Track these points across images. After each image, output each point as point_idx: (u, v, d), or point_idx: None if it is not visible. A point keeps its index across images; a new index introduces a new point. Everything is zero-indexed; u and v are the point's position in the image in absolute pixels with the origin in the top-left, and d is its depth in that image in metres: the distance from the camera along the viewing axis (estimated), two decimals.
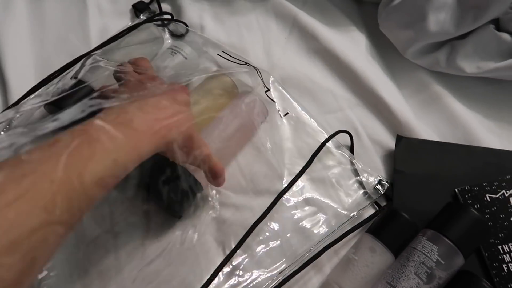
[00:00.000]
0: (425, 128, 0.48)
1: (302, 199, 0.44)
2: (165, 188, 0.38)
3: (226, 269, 0.39)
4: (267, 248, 0.41)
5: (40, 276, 0.36)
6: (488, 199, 0.42)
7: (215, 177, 0.39)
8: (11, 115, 0.41)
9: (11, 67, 0.47)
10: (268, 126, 0.47)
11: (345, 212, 0.43)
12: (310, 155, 0.44)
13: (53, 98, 0.40)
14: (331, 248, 0.40)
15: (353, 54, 0.52)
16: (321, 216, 0.43)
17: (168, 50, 0.48)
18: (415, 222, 0.40)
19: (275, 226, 0.42)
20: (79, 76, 0.43)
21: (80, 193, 0.25)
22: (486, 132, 0.47)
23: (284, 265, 0.40)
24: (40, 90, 0.43)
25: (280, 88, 0.49)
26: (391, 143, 0.47)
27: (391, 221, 0.40)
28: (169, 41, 0.53)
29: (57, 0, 0.54)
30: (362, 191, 0.45)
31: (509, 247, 0.40)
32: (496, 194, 0.42)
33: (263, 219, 0.41)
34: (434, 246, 0.37)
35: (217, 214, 0.42)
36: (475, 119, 0.48)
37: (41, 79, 0.44)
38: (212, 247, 0.41)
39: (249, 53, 0.52)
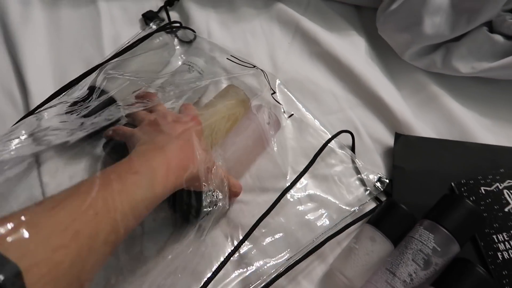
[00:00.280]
0: (423, 127, 0.50)
1: (305, 195, 0.46)
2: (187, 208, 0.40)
3: (234, 258, 0.41)
4: (273, 239, 0.43)
5: None
6: (483, 192, 0.44)
7: (235, 195, 0.43)
8: (34, 122, 0.44)
9: (31, 72, 0.50)
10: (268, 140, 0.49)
11: (346, 208, 0.45)
12: (314, 154, 0.47)
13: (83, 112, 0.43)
14: (334, 240, 0.42)
15: (353, 57, 0.54)
16: (323, 211, 0.45)
17: (185, 66, 0.50)
18: (412, 213, 0.42)
19: (280, 219, 0.44)
20: (100, 86, 0.45)
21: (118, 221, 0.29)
22: (482, 129, 0.50)
23: (288, 254, 0.42)
24: (59, 97, 0.46)
25: (286, 90, 0.51)
26: (390, 141, 0.49)
27: (390, 212, 0.42)
28: (178, 47, 0.55)
29: (73, 10, 0.57)
30: (363, 188, 0.47)
31: (503, 236, 0.42)
32: (490, 187, 0.44)
33: (269, 213, 0.43)
34: (430, 234, 0.39)
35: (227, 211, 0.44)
36: (471, 117, 0.51)
37: (59, 83, 0.47)
38: (221, 240, 0.43)
39: (254, 58, 0.54)
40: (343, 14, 0.59)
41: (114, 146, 0.43)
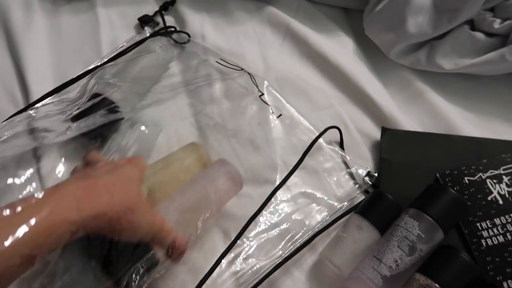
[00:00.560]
0: (410, 121, 0.52)
1: (296, 192, 0.47)
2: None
3: (227, 258, 0.42)
4: (265, 237, 0.44)
5: None
6: (467, 182, 0.45)
7: (180, 253, 0.36)
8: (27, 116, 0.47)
9: (32, 74, 0.52)
10: (263, 128, 0.51)
11: (336, 204, 0.47)
12: (303, 152, 0.48)
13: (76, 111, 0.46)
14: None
15: (342, 56, 0.56)
16: (314, 207, 0.47)
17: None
18: (398, 203, 0.43)
19: (272, 216, 0.45)
20: (96, 90, 0.48)
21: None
22: (466, 123, 0.51)
23: (281, 252, 0.43)
24: (55, 96, 0.49)
25: (274, 91, 0.53)
26: (378, 135, 0.51)
27: (376, 202, 0.44)
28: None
29: (73, 16, 0.59)
30: (353, 182, 0.49)
31: (486, 224, 0.43)
32: (474, 177, 0.46)
33: (260, 211, 0.44)
34: (415, 222, 0.40)
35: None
36: (456, 111, 0.52)
37: (59, 84, 0.49)
38: (216, 233, 0.44)
39: (247, 58, 0.57)
40: (331, 16, 0.61)
41: None
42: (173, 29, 0.58)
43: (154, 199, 0.37)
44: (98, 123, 0.46)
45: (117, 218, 0.31)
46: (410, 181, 0.47)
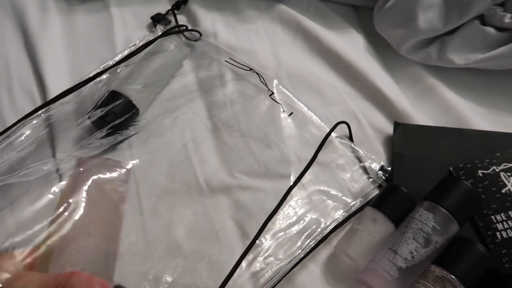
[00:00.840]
0: (421, 116, 0.52)
1: (311, 189, 0.47)
2: None
3: (246, 259, 0.42)
4: (282, 235, 0.44)
5: None
6: (481, 175, 0.46)
7: None
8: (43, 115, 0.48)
9: (49, 73, 0.53)
10: (275, 126, 0.51)
11: (351, 199, 0.47)
12: (316, 148, 0.49)
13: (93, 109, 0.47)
14: None
15: (353, 52, 0.57)
16: (330, 203, 0.47)
17: None
18: (412, 195, 0.44)
19: (288, 214, 0.45)
20: (113, 88, 0.49)
21: None
22: (478, 117, 0.52)
23: (299, 250, 0.43)
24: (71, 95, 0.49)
25: (284, 90, 0.53)
26: (390, 129, 0.51)
27: (390, 195, 0.44)
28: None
29: (87, 16, 0.60)
30: (366, 176, 0.49)
31: (501, 217, 0.43)
32: (487, 170, 0.46)
33: (278, 208, 0.44)
34: (430, 214, 0.40)
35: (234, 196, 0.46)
36: (467, 106, 0.53)
37: (75, 82, 0.50)
38: (231, 229, 0.45)
39: (258, 55, 0.57)
40: (341, 14, 0.62)
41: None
42: (185, 27, 0.59)
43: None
44: (115, 121, 0.47)
45: None
46: (423, 175, 0.47)
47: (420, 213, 0.41)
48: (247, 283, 0.42)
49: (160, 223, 0.44)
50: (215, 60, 0.56)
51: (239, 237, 0.44)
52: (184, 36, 0.58)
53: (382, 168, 0.49)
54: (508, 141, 0.48)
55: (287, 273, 0.42)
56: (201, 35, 0.59)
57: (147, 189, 0.46)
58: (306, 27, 0.59)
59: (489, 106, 0.53)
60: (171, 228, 0.44)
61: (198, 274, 0.42)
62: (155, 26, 0.60)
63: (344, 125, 0.51)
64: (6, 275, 0.29)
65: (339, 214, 0.46)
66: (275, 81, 0.54)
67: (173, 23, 0.60)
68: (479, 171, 0.46)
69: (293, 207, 0.46)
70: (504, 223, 0.43)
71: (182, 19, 0.62)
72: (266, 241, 0.44)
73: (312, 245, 0.43)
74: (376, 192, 0.48)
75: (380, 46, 0.59)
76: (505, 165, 0.45)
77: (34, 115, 0.48)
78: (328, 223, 0.45)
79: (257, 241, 0.42)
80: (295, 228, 0.45)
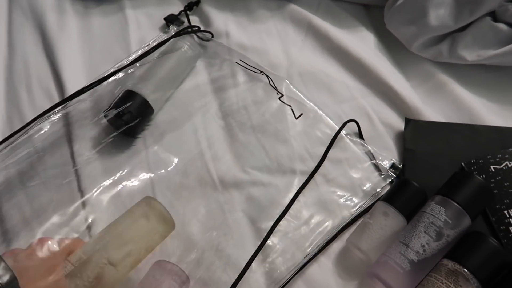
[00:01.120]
0: (432, 112, 0.52)
1: (323, 186, 0.48)
2: None
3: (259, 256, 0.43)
4: (295, 231, 0.45)
5: None
6: (493, 170, 0.46)
7: None
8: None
9: (66, 72, 0.55)
10: (286, 127, 0.52)
11: (362, 197, 0.47)
12: (327, 144, 0.49)
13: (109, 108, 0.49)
14: None
15: (363, 50, 0.57)
16: (341, 201, 0.47)
17: None
18: (423, 189, 0.44)
19: (300, 211, 0.46)
20: (128, 87, 0.50)
21: None
22: (490, 113, 0.51)
23: (311, 246, 0.44)
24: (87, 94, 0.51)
25: (295, 90, 0.54)
26: (401, 126, 0.52)
27: (402, 189, 0.44)
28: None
29: (103, 17, 0.62)
30: (377, 173, 0.49)
31: None
32: (500, 165, 0.46)
33: (291, 205, 0.45)
34: (441, 208, 0.41)
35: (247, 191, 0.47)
36: (479, 102, 0.53)
37: (91, 81, 0.52)
38: (244, 224, 0.46)
39: (270, 54, 0.58)
40: (352, 12, 0.63)
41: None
42: (197, 28, 0.60)
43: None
44: (130, 120, 0.48)
45: None
46: (435, 170, 0.48)
47: (431, 207, 0.41)
48: (260, 278, 0.43)
49: (175, 218, 0.45)
50: (227, 60, 0.57)
51: (252, 231, 0.45)
52: (198, 36, 0.60)
53: (393, 166, 0.49)
54: None
55: (301, 268, 0.42)
56: (213, 36, 0.60)
57: (162, 185, 0.47)
58: (317, 26, 0.60)
59: (501, 102, 0.53)
60: (185, 223, 0.45)
61: (213, 268, 0.43)
62: (168, 27, 0.61)
63: (355, 123, 0.51)
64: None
65: (351, 211, 0.46)
66: (286, 82, 0.54)
67: (186, 24, 0.61)
68: (492, 166, 0.46)
69: (306, 204, 0.47)
70: None
71: (194, 20, 0.63)
72: (279, 237, 0.44)
73: (325, 242, 0.44)
74: (387, 188, 0.48)
75: (390, 44, 0.59)
76: None
77: (51, 112, 0.50)
78: (340, 220, 0.46)
79: (270, 236, 0.43)
80: (308, 225, 0.45)
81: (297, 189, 0.47)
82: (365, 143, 0.51)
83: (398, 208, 0.43)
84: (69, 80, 0.54)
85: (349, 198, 0.47)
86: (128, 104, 0.49)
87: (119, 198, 0.46)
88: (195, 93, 0.55)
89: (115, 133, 0.49)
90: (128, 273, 0.38)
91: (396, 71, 0.56)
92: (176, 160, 0.49)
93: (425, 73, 0.56)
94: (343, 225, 0.45)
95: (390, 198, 0.44)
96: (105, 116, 0.49)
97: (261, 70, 0.55)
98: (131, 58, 0.55)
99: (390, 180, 0.49)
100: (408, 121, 0.51)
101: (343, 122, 0.51)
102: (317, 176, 0.48)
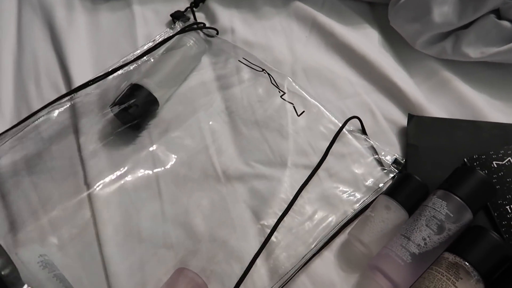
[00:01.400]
0: (436, 109, 0.53)
1: (326, 181, 0.48)
2: None
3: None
4: (299, 227, 0.45)
5: None
6: (495, 166, 0.46)
7: None
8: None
9: (74, 67, 0.56)
10: (289, 123, 0.52)
11: (365, 192, 0.48)
12: (330, 139, 0.50)
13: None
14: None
15: (367, 47, 0.58)
16: (344, 196, 0.47)
17: None
18: (425, 183, 0.44)
19: (304, 206, 0.46)
20: (134, 81, 0.51)
21: None
22: (493, 110, 0.52)
23: (316, 242, 0.44)
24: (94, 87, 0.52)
25: (297, 87, 0.54)
26: (405, 122, 0.52)
27: (404, 183, 0.45)
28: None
29: (111, 13, 0.63)
30: (380, 168, 0.50)
31: None
32: (502, 161, 0.46)
33: (294, 200, 0.46)
34: (443, 202, 0.41)
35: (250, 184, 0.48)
36: (482, 99, 0.53)
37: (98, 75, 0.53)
38: (247, 216, 0.46)
39: (275, 50, 0.59)
40: (356, 10, 0.63)
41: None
42: (202, 24, 0.61)
43: None
44: (137, 113, 0.49)
45: None
46: (437, 166, 0.48)
47: (433, 201, 0.41)
48: (264, 274, 0.43)
49: (179, 210, 0.46)
50: (232, 57, 0.57)
51: (254, 224, 0.46)
52: (203, 32, 0.60)
53: (395, 161, 0.49)
54: None
55: (305, 264, 0.43)
56: (218, 32, 0.61)
57: (166, 177, 0.48)
58: (322, 23, 0.61)
59: (504, 99, 0.53)
60: (189, 214, 0.46)
61: (216, 261, 0.43)
62: (174, 23, 0.62)
63: (361, 118, 0.51)
64: None
65: (354, 206, 0.47)
66: (288, 79, 0.55)
67: (191, 20, 0.62)
68: (494, 162, 0.46)
69: (309, 199, 0.47)
70: None
71: (200, 17, 0.64)
72: (283, 233, 0.45)
73: (329, 237, 0.44)
74: (389, 183, 0.48)
75: (394, 41, 0.60)
76: None
77: (58, 103, 0.51)
78: (343, 215, 0.46)
79: (274, 232, 0.44)
80: (312, 220, 0.46)
81: (300, 183, 0.47)
82: (368, 138, 0.51)
83: (400, 201, 0.43)
84: (76, 74, 0.55)
85: (352, 193, 0.48)
86: (134, 98, 0.50)
87: (125, 191, 0.46)
88: (200, 89, 0.56)
89: (122, 127, 0.50)
90: None
91: (400, 68, 0.57)
92: (180, 153, 0.50)
93: (428, 70, 0.57)
94: (346, 220, 0.46)
95: (392, 191, 0.44)
96: (112, 110, 0.50)
97: (263, 68, 0.56)
98: (137, 53, 0.56)
99: (393, 175, 0.49)
100: (411, 117, 0.52)
101: (346, 118, 0.51)
102: (320, 171, 0.49)
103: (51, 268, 0.38)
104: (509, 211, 0.43)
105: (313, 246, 0.44)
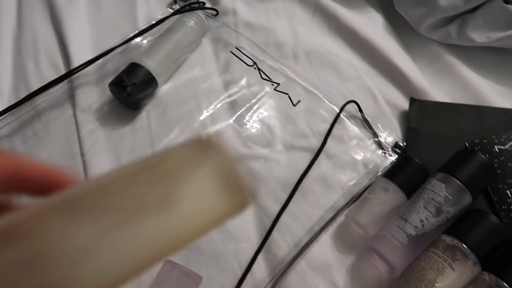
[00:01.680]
0: (439, 93, 0.52)
1: (326, 164, 0.48)
2: None
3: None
4: (300, 209, 0.45)
5: None
6: (497, 150, 0.45)
7: None
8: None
9: (74, 46, 0.55)
10: (286, 112, 0.51)
11: (365, 175, 0.47)
12: (329, 124, 0.49)
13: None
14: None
15: (371, 31, 0.57)
16: (345, 180, 0.47)
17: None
18: (425, 166, 0.43)
19: (304, 189, 0.46)
20: (133, 60, 0.50)
21: None
22: (498, 96, 0.51)
23: (317, 226, 0.44)
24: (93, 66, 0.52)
25: (293, 75, 0.54)
26: (407, 106, 0.51)
27: (403, 166, 0.44)
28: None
29: None
30: (381, 151, 0.49)
31: None
32: (504, 146, 0.45)
33: (301, 182, 0.45)
34: (442, 184, 0.40)
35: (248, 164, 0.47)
36: (487, 84, 0.52)
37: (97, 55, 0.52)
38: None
39: (277, 32, 0.58)
40: None
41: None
42: (203, 3, 0.60)
43: None
44: (134, 92, 0.49)
45: None
46: (438, 150, 0.47)
47: (432, 184, 0.41)
48: (261, 260, 0.42)
49: None
50: (232, 40, 0.57)
51: (252, 205, 0.45)
52: (204, 13, 0.60)
53: (396, 145, 0.49)
54: None
55: (304, 248, 0.42)
56: (217, 13, 0.60)
57: None
58: (325, 5, 0.60)
59: (509, 85, 0.52)
60: None
61: (212, 240, 0.43)
62: (175, 2, 0.61)
63: (363, 102, 0.51)
64: None
65: (353, 189, 0.46)
66: (283, 68, 0.54)
67: (192, 0, 0.61)
68: (496, 147, 0.45)
69: (308, 181, 0.46)
70: None
71: None
72: (283, 216, 0.44)
73: (327, 220, 0.44)
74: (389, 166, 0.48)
75: (399, 25, 0.59)
76: None
77: (57, 83, 0.50)
78: (342, 198, 0.46)
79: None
80: (309, 203, 0.45)
81: (298, 165, 0.47)
82: (369, 121, 0.51)
83: (399, 183, 0.42)
84: (76, 53, 0.55)
85: (351, 176, 0.47)
86: (132, 77, 0.49)
87: None
88: (199, 69, 0.55)
89: (120, 107, 0.49)
90: None
91: (403, 52, 0.56)
92: (178, 133, 0.50)
93: (432, 54, 0.56)
94: (345, 203, 0.45)
95: (390, 174, 0.44)
96: (110, 89, 0.50)
97: (254, 61, 0.55)
98: (137, 32, 0.56)
99: (393, 158, 0.48)
100: (413, 101, 0.51)
101: (346, 101, 0.50)
102: (320, 155, 0.48)
103: None
104: (510, 195, 0.43)
105: (312, 229, 0.44)
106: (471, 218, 0.39)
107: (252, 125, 0.51)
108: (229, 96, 0.53)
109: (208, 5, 0.61)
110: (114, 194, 0.16)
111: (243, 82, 0.54)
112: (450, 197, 0.39)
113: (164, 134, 0.50)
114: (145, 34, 0.56)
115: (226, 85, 0.54)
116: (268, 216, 0.44)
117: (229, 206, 0.17)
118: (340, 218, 0.45)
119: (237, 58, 0.55)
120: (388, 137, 0.49)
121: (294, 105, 0.52)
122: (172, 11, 0.60)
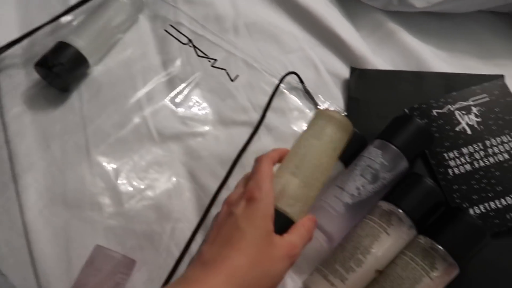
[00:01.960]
0: (381, 62, 0.51)
1: (266, 137, 0.47)
2: None
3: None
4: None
5: None
6: (435, 114, 0.45)
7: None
8: None
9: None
10: (226, 86, 0.50)
11: None
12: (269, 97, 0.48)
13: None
14: None
15: (313, 0, 0.55)
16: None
17: None
18: (363, 135, 0.43)
19: (244, 163, 0.44)
20: (61, 39, 0.47)
21: None
22: (438, 60, 0.51)
23: None
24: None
25: (233, 49, 0.52)
26: (348, 75, 0.50)
27: None
28: None
29: None
30: None
31: (454, 154, 0.42)
32: (442, 109, 0.45)
33: (240, 157, 0.44)
34: (379, 151, 0.40)
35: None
36: (428, 50, 0.52)
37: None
38: (179, 170, 0.44)
39: (216, 5, 0.56)
40: None
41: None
42: None
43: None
44: (62, 72, 0.46)
45: None
46: (379, 118, 0.46)
47: (369, 151, 0.40)
48: (201, 238, 0.41)
49: (109, 173, 0.43)
50: (170, 16, 0.54)
51: (190, 183, 0.44)
52: None
53: None
54: (467, 81, 0.47)
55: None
56: None
57: (96, 137, 0.45)
58: None
59: (450, 50, 0.52)
60: (121, 176, 0.43)
61: (148, 221, 0.41)
62: None
63: (304, 73, 0.50)
64: None
65: None
66: (223, 42, 0.52)
67: None
68: (434, 111, 0.45)
69: (247, 156, 0.45)
70: (457, 159, 0.42)
71: None
72: (222, 192, 0.43)
73: None
74: None
75: None
76: (460, 104, 0.44)
77: None
78: None
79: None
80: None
81: (237, 140, 0.45)
82: (310, 92, 0.49)
83: None
84: (1, 35, 0.51)
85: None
86: (60, 56, 0.46)
87: (51, 155, 0.44)
88: (135, 47, 0.53)
89: (49, 88, 0.46)
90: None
91: (345, 22, 0.55)
92: (112, 113, 0.47)
93: (375, 22, 0.55)
94: None
95: None
96: (36, 69, 0.47)
97: (191, 38, 0.53)
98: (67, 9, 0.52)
99: None
100: (353, 70, 0.50)
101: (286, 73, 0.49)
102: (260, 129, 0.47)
103: None
104: (447, 158, 0.42)
105: None
106: (407, 183, 0.39)
107: (189, 103, 0.49)
108: (166, 75, 0.51)
109: None
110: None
111: (178, 61, 0.51)
112: (386, 163, 0.39)
113: (97, 115, 0.47)
114: (76, 12, 0.53)
115: (162, 64, 0.51)
116: (206, 194, 0.42)
117: (346, 134, 0.36)
118: None
119: (172, 37, 0.53)
120: (329, 108, 0.48)
121: (232, 80, 0.50)
122: None
